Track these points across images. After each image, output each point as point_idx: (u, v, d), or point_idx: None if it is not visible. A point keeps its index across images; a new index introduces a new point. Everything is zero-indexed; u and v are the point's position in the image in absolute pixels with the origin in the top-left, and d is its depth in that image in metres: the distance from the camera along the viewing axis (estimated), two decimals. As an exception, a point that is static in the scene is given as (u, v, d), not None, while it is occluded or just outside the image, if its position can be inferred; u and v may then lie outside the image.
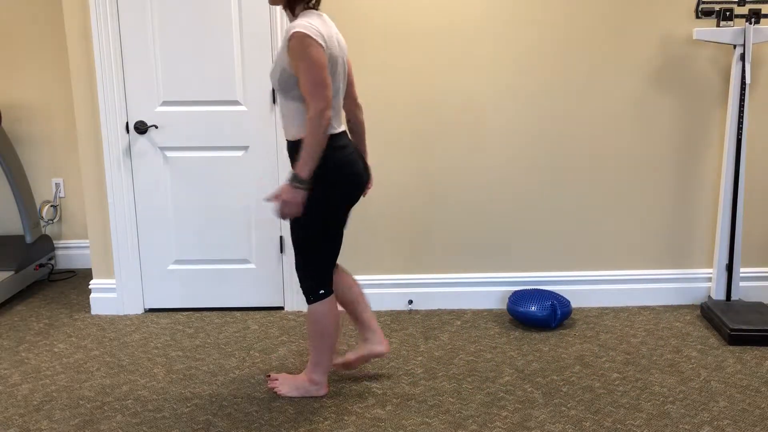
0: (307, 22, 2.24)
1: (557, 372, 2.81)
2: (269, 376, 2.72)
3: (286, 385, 2.65)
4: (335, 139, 2.38)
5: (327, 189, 2.37)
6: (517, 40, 3.28)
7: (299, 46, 2.21)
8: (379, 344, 2.69)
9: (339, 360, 2.73)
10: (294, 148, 2.40)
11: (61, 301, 3.77)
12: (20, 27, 4.04)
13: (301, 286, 2.51)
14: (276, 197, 2.30)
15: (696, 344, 3.05)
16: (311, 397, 2.63)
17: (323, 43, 2.25)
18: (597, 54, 3.29)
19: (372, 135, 3.37)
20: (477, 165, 3.40)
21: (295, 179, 2.27)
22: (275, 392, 2.66)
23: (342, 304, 2.70)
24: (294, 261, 2.48)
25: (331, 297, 2.50)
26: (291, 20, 2.36)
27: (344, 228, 2.53)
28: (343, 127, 2.46)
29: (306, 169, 2.26)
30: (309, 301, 2.49)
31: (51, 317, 3.53)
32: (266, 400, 2.63)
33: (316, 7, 2.38)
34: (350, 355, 2.71)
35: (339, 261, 3.50)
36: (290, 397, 2.63)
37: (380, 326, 3.30)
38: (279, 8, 3.24)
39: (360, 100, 3.27)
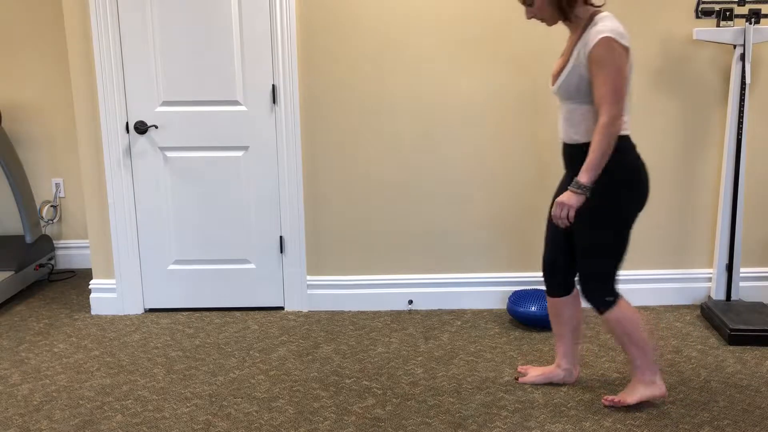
0: (613, 26, 2.19)
1: (557, 372, 2.81)
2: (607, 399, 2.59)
3: (627, 394, 2.53)
4: (629, 140, 2.34)
5: (628, 192, 2.32)
6: (515, 40, 3.28)
7: (605, 51, 2.18)
8: (569, 374, 2.69)
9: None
10: (574, 151, 2.37)
11: (61, 301, 3.77)
12: (20, 27, 4.04)
13: (585, 296, 2.43)
14: (557, 204, 2.29)
15: (696, 344, 3.04)
16: (652, 398, 2.51)
17: (629, 47, 2.22)
18: (597, 54, 3.29)
19: (371, 133, 3.37)
20: (477, 165, 3.40)
21: (576, 185, 2.26)
22: (619, 405, 2.52)
23: (561, 323, 2.63)
24: (580, 269, 2.42)
25: (622, 301, 2.41)
26: (573, 27, 2.32)
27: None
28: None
29: (590, 175, 2.24)
30: (600, 312, 2.42)
31: (51, 317, 3.52)
32: (266, 400, 2.63)
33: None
34: (532, 371, 2.72)
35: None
36: (636, 403, 2.50)
37: (381, 326, 3.31)
38: (279, 9, 3.24)
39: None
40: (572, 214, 2.30)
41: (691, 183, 3.42)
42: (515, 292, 3.33)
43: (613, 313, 2.41)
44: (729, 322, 3.07)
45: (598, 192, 2.31)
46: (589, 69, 2.24)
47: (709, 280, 3.49)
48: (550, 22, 2.35)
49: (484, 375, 2.80)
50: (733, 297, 3.37)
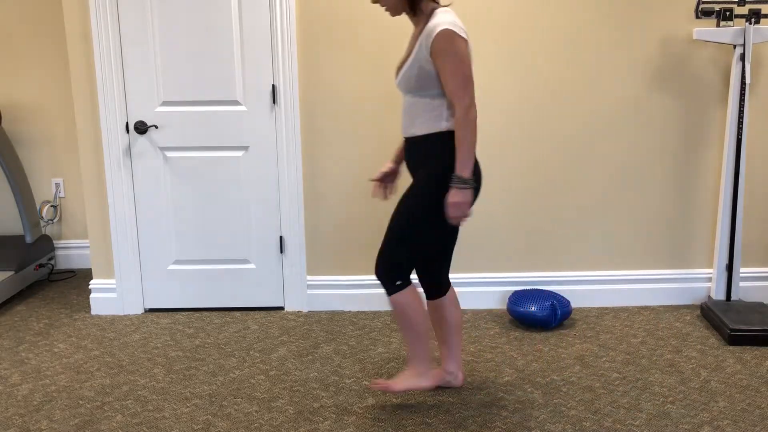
0: (451, 19, 2.24)
1: (557, 372, 2.81)
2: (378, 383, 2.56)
3: (397, 381, 2.53)
4: None
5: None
6: (516, 40, 3.28)
7: (447, 43, 2.21)
8: (455, 378, 2.67)
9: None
10: (417, 144, 2.38)
11: (61, 301, 3.77)
12: (20, 27, 4.04)
13: (377, 272, 2.42)
14: (451, 206, 2.28)
15: (696, 344, 3.05)
16: (418, 389, 2.52)
17: (467, 38, 2.27)
18: (597, 54, 3.29)
19: (371, 133, 3.37)
20: (477, 165, 3.40)
21: (459, 181, 2.26)
22: (387, 390, 2.52)
23: (441, 326, 2.62)
24: (383, 242, 2.41)
25: (411, 288, 2.41)
26: (416, 21, 2.36)
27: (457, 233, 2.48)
28: None
29: (468, 166, 2.26)
30: (387, 292, 2.42)
31: (51, 317, 3.53)
32: (266, 400, 2.63)
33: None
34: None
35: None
36: (402, 390, 2.50)
37: (381, 326, 3.31)
38: (279, 9, 3.24)
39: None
40: (468, 210, 2.30)
41: (691, 183, 3.42)
42: (515, 292, 3.34)
43: (400, 296, 2.40)
44: (729, 322, 3.07)
45: (426, 180, 2.34)
46: (434, 64, 2.26)
47: (709, 280, 3.49)
48: (393, 13, 2.37)
49: (484, 375, 2.80)
50: (733, 297, 3.37)
